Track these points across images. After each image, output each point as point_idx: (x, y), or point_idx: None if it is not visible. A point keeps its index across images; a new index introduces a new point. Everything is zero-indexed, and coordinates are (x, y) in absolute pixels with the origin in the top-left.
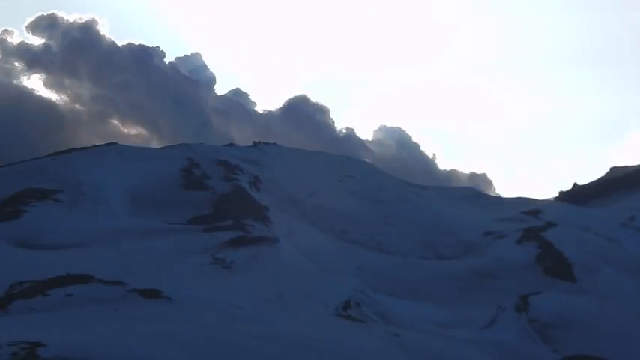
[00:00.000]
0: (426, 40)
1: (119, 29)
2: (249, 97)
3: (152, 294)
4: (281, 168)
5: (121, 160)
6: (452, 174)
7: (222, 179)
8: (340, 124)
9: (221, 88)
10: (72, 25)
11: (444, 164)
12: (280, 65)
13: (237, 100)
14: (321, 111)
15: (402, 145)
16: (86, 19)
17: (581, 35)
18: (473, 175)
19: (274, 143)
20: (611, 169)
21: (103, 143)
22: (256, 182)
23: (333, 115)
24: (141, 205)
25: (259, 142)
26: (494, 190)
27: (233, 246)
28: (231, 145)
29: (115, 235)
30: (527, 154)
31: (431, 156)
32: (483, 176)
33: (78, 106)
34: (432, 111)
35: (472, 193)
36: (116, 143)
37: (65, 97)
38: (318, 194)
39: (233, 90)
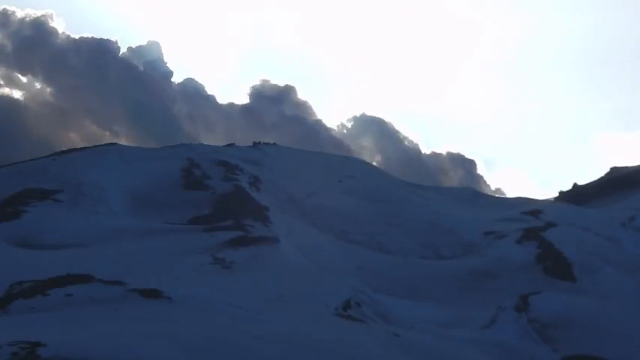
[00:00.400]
0: (420, 30)
1: (70, 21)
2: (205, 88)
3: (152, 294)
4: (281, 168)
5: (121, 160)
6: (435, 157)
7: (222, 179)
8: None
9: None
10: (23, 21)
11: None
12: (232, 53)
13: (196, 91)
14: (290, 98)
15: (383, 135)
16: (39, 14)
17: (580, 34)
18: (452, 158)
19: (274, 143)
20: (611, 169)
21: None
22: (256, 182)
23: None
24: (141, 205)
25: (259, 142)
26: (477, 169)
27: (233, 246)
28: (231, 145)
29: (115, 235)
30: (527, 153)
31: (413, 146)
32: (460, 156)
33: (37, 101)
34: (424, 107)
35: (472, 193)
36: (116, 143)
37: (25, 93)
38: (318, 194)
39: (187, 79)
